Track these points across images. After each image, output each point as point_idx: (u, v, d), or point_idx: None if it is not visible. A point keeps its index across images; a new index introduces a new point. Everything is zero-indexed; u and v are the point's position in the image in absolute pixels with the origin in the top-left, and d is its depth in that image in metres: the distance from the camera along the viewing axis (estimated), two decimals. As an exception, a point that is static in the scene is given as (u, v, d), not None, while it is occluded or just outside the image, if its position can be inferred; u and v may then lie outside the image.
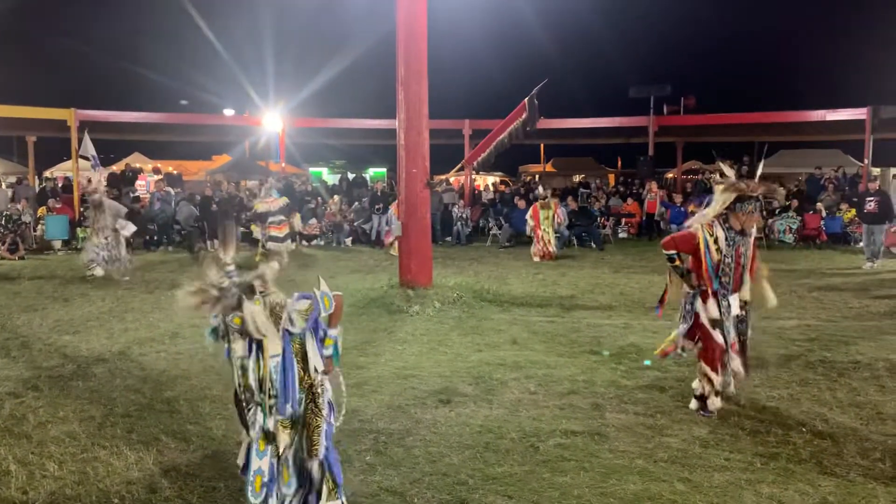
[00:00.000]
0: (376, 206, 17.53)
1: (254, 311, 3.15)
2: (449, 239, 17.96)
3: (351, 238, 17.60)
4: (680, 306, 5.39)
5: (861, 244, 15.09)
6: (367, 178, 26.50)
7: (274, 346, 3.25)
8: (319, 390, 3.45)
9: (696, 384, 5.27)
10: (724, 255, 5.05)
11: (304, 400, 3.42)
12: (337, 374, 3.67)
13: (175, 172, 26.54)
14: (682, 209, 17.66)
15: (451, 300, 9.40)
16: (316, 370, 3.43)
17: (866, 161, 20.34)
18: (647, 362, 6.44)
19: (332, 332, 3.54)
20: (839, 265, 13.60)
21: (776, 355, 6.70)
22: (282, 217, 14.09)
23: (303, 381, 3.40)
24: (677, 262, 5.22)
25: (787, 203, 17.67)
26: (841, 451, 4.51)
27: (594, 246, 16.62)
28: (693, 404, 5.26)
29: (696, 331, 5.25)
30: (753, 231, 5.21)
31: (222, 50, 28.83)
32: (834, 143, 26.67)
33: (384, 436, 4.79)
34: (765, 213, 17.48)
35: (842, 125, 20.99)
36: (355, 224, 17.89)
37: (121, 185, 22.23)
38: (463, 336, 7.74)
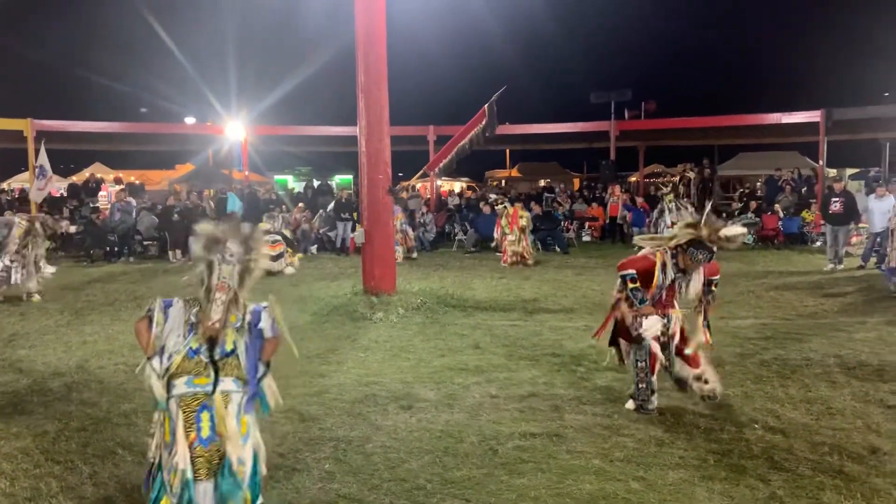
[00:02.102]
0: (342, 214, 17.47)
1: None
2: (417, 245, 17.96)
3: (316, 246, 17.51)
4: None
5: (819, 244, 15.44)
6: (333, 186, 26.41)
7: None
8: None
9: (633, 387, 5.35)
10: (661, 285, 5.14)
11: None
12: (259, 444, 3.56)
13: (137, 182, 26.23)
14: (644, 212, 17.90)
15: (414, 306, 9.43)
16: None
17: (821, 162, 20.84)
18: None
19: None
20: (796, 265, 13.90)
21: (732, 354, 6.84)
22: (278, 237, 14.00)
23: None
24: (637, 284, 5.14)
25: (744, 203, 18.03)
26: (791, 446, 4.63)
27: (558, 250, 16.75)
28: (629, 404, 5.34)
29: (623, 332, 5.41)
30: (698, 276, 5.16)
31: (183, 58, 28.63)
32: (791, 145, 27.28)
33: (344, 443, 4.79)
34: (724, 214, 17.84)
35: (797, 127, 21.49)
36: (320, 231, 17.80)
37: (81, 195, 21.91)
38: (426, 342, 7.76)
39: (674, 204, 13.29)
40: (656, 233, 14.44)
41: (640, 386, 5.23)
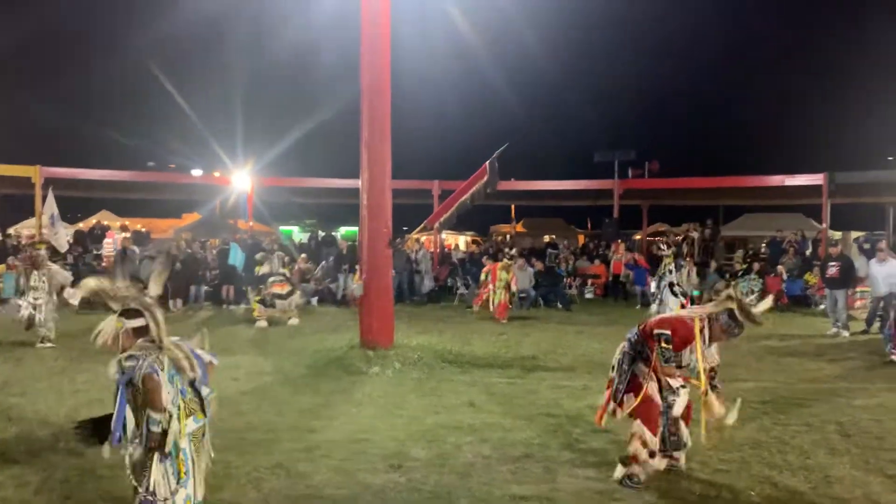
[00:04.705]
0: (343, 266, 17.50)
1: (106, 324, 3.69)
2: (416, 298, 17.94)
3: (317, 297, 17.49)
4: (616, 365, 5.32)
5: (822, 307, 15.34)
6: (337, 237, 26.51)
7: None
8: (147, 460, 3.67)
9: (630, 448, 5.06)
10: (692, 350, 5.06)
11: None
12: (165, 467, 3.72)
13: (143, 230, 26.37)
14: (646, 270, 17.87)
15: (411, 361, 9.35)
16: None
17: (825, 225, 20.87)
18: None
19: (148, 412, 3.68)
20: (799, 328, 13.78)
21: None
22: (283, 277, 14.04)
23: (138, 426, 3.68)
24: (670, 346, 5.00)
25: (749, 265, 18.00)
26: (788, 515, 4.51)
27: (560, 306, 16.69)
28: (618, 472, 5.07)
29: (633, 391, 5.16)
30: (715, 349, 5.19)
31: (191, 111, 29.06)
32: (796, 207, 27.39)
33: (329, 502, 4.69)
34: (728, 275, 17.81)
35: (801, 190, 21.59)
36: (322, 283, 17.81)
37: (87, 242, 22.03)
38: (421, 398, 7.67)
39: (673, 265, 13.24)
40: (660, 293, 14.40)
41: (638, 446, 5.04)
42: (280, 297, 13.70)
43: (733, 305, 5.01)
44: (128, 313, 3.75)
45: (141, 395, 3.64)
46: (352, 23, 10.29)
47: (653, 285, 14.03)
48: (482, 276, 15.03)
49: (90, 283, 3.85)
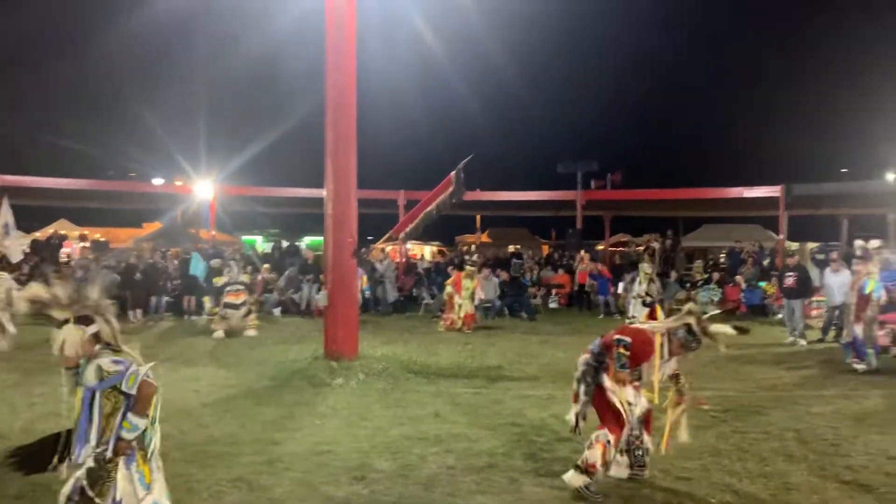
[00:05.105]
0: (307, 276, 17.36)
1: (67, 335, 3.53)
2: (381, 308, 17.86)
3: (280, 308, 17.31)
4: (578, 378, 5.37)
5: (780, 316, 15.65)
6: (302, 247, 26.30)
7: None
8: (111, 468, 3.56)
9: (590, 454, 5.00)
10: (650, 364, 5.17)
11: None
12: (132, 474, 3.65)
13: (102, 240, 25.89)
14: (608, 281, 18.07)
15: (376, 372, 9.30)
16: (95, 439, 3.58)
17: (782, 236, 21.35)
18: None
19: (132, 418, 3.57)
20: (757, 337, 13.99)
21: (690, 426, 6.80)
22: (240, 286, 13.77)
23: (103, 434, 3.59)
24: (628, 353, 5.08)
25: (708, 275, 18.30)
26: (747, 522, 4.58)
27: (525, 316, 16.77)
28: (576, 480, 5.01)
29: (598, 403, 5.23)
30: (672, 364, 5.27)
31: (152, 119, 28.67)
32: (754, 218, 27.98)
33: (292, 515, 4.64)
34: (688, 285, 18.09)
35: (759, 201, 22.07)
36: (285, 293, 17.63)
37: (44, 252, 21.52)
38: (385, 409, 7.63)
39: (651, 275, 13.44)
40: (626, 301, 14.63)
41: (599, 452, 5.05)
42: (233, 306, 13.44)
43: (692, 320, 5.12)
44: (81, 320, 3.64)
45: (121, 401, 3.59)
46: (317, 31, 10.26)
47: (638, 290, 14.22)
48: (447, 288, 15.04)
49: (35, 290, 3.73)
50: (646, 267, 14.36)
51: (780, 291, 14.45)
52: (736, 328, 5.30)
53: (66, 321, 3.63)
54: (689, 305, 5.45)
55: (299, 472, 5.47)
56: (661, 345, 5.14)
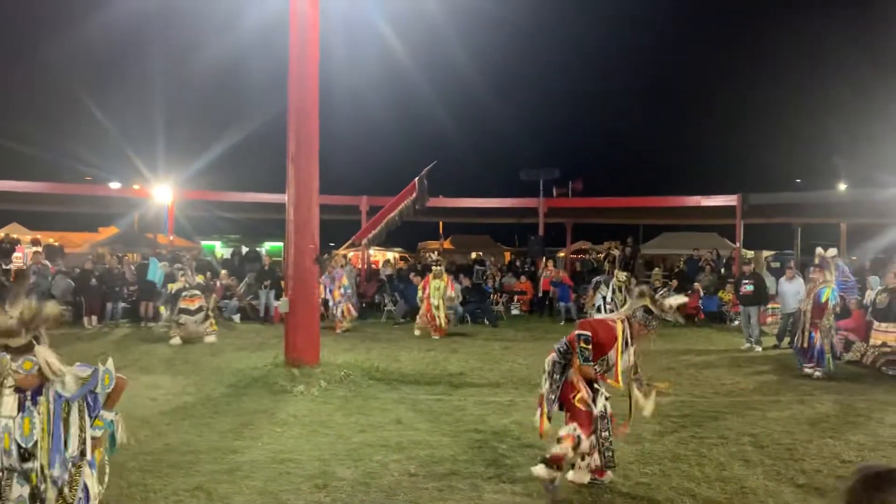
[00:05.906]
0: (266, 282, 17.16)
1: (47, 353, 3.41)
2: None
3: (239, 314, 17.08)
4: (546, 376, 5.44)
5: (736, 322, 15.95)
6: (262, 253, 26.00)
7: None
8: (75, 472, 3.50)
9: (559, 448, 5.08)
10: (612, 355, 5.25)
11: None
12: (104, 465, 3.77)
13: (56, 244, 25.23)
14: (569, 288, 18.23)
15: (337, 379, 9.22)
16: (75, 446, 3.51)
17: (738, 244, 21.76)
18: None
19: (105, 414, 3.60)
20: (715, 343, 14.28)
21: (651, 431, 6.89)
22: (195, 291, 13.48)
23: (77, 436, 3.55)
24: (589, 346, 5.15)
25: (668, 283, 18.54)
26: (706, 526, 4.64)
27: (487, 322, 16.82)
28: (541, 471, 5.08)
29: (565, 399, 5.30)
30: (632, 351, 5.36)
31: (109, 123, 28.06)
32: (711, 226, 28.49)
33: (252, 525, 4.56)
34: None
35: (716, 210, 22.44)
36: (244, 300, 17.40)
37: (-6, 256, 20.90)
38: (347, 416, 7.56)
39: (623, 285, 13.56)
40: (592, 305, 14.84)
41: (568, 447, 5.12)
42: (188, 312, 13.21)
43: (647, 301, 5.32)
44: (38, 339, 3.54)
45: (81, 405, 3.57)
46: (280, 35, 10.17)
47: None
48: (419, 294, 15.01)
49: None
50: (621, 275, 14.54)
51: (736, 298, 14.73)
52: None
53: (29, 345, 3.46)
54: (641, 288, 5.60)
55: (260, 481, 5.39)
56: (623, 330, 5.25)
